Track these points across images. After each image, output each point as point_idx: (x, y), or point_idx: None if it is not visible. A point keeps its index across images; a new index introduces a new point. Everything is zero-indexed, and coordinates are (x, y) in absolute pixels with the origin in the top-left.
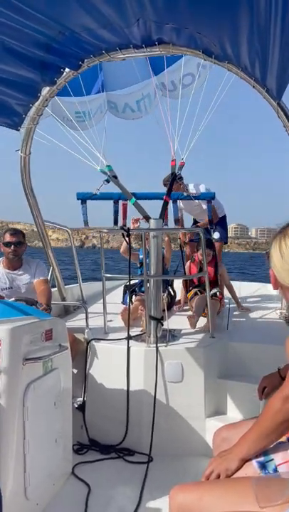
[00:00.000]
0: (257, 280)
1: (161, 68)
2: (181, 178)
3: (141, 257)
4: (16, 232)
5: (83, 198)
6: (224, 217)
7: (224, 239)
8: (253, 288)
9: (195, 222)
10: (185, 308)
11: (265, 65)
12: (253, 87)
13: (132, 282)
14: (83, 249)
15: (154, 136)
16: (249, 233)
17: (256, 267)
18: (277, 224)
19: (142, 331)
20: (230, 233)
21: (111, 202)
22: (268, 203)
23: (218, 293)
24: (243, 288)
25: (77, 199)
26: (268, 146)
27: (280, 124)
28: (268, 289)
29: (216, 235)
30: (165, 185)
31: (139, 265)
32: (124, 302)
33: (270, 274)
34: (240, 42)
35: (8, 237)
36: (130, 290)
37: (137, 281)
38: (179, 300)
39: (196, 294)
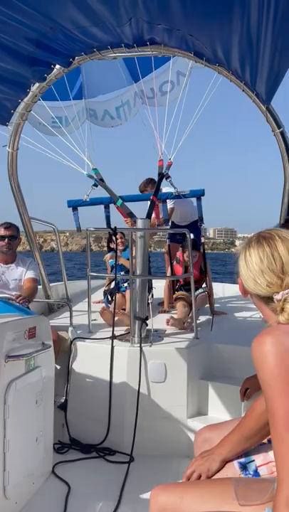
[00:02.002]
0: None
1: (142, 75)
2: (169, 177)
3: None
4: (10, 226)
5: (74, 206)
6: (196, 221)
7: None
8: (236, 290)
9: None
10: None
11: (256, 69)
12: (243, 90)
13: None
14: (41, 252)
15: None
16: (207, 233)
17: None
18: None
19: (126, 330)
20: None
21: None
22: (224, 203)
23: (204, 292)
24: (227, 289)
25: (68, 207)
26: (226, 144)
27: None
28: None
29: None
30: (142, 191)
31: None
32: (105, 302)
33: (238, 282)
34: (231, 46)
35: (2, 231)
36: (110, 293)
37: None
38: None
39: (181, 297)
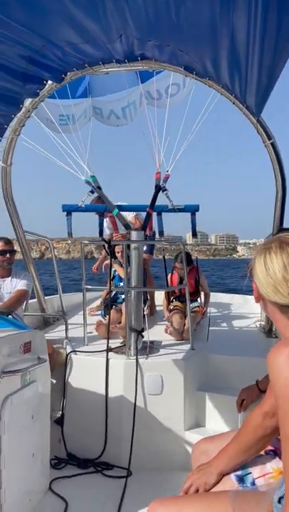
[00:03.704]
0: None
1: (148, 76)
2: (165, 190)
3: (113, 269)
4: (9, 241)
5: (69, 210)
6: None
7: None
8: (232, 299)
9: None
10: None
11: (245, 83)
12: (233, 103)
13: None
14: (42, 260)
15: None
16: (209, 240)
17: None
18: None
19: (122, 342)
20: (191, 240)
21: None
22: (226, 210)
23: (198, 307)
24: (223, 299)
25: (63, 211)
26: (231, 152)
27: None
28: (248, 300)
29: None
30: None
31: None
32: (102, 315)
33: (253, 287)
34: (220, 60)
35: (1, 246)
36: (108, 303)
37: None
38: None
39: (176, 309)
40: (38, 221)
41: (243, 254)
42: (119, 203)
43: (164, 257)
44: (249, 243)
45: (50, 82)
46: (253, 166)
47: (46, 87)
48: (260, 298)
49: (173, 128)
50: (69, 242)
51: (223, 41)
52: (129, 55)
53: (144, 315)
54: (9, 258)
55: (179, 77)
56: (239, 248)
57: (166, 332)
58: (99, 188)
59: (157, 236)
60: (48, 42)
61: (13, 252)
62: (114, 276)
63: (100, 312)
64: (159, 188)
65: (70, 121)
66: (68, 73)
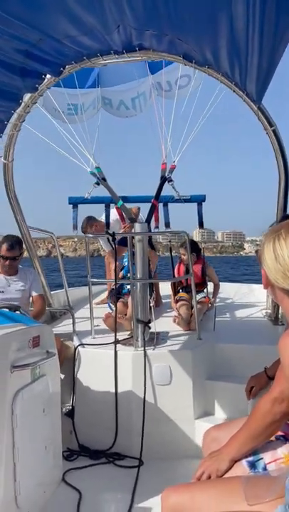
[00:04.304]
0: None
1: (158, 67)
2: (171, 180)
3: (124, 260)
4: (12, 248)
5: (75, 203)
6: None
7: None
8: (238, 289)
9: None
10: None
11: (245, 70)
12: (234, 91)
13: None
14: (50, 258)
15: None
16: (215, 237)
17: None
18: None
19: (129, 334)
20: (198, 237)
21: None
22: (232, 207)
23: (204, 297)
24: (229, 288)
25: (69, 203)
26: (235, 150)
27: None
28: (253, 289)
29: None
30: (84, 232)
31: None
32: (109, 306)
33: (261, 273)
34: (220, 48)
35: (4, 251)
36: (115, 294)
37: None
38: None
39: (182, 299)
40: (45, 219)
41: (250, 252)
42: (124, 195)
43: (170, 248)
44: (256, 240)
45: (48, 76)
46: (256, 164)
47: (45, 81)
48: (268, 284)
49: (181, 120)
50: (75, 240)
51: (222, 29)
52: (127, 45)
53: (150, 306)
54: (10, 264)
55: (189, 69)
56: (246, 245)
57: (175, 322)
58: (104, 179)
59: (163, 227)
60: (44, 35)
61: (15, 259)
62: (123, 267)
63: (106, 305)
64: (164, 179)
65: (77, 112)
66: (67, 66)
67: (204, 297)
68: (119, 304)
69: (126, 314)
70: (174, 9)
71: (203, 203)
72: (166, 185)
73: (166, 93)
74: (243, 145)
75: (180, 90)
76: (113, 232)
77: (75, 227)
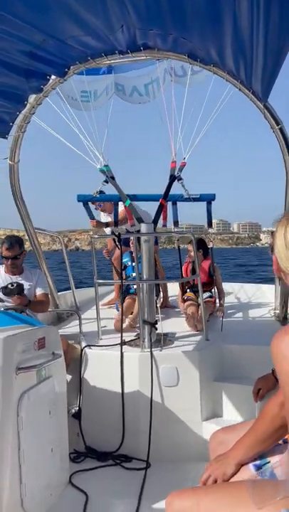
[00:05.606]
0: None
1: None
2: (181, 179)
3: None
4: (11, 247)
5: (84, 200)
6: None
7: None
8: (245, 289)
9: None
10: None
11: (250, 68)
12: (239, 89)
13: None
14: (67, 252)
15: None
16: (231, 228)
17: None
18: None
19: (136, 335)
20: (214, 229)
21: None
22: (249, 198)
23: (210, 297)
24: (236, 288)
25: (78, 201)
26: (253, 140)
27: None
28: (262, 289)
29: None
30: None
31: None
32: (116, 307)
33: (272, 259)
34: (224, 46)
35: (4, 251)
36: (122, 295)
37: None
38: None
39: (189, 299)
40: (56, 216)
41: (266, 242)
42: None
43: (178, 246)
44: (272, 231)
45: (53, 76)
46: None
47: (50, 82)
48: (279, 271)
49: (194, 114)
50: (91, 233)
51: (226, 27)
52: (132, 45)
53: (156, 307)
54: (13, 263)
55: None
56: (262, 236)
57: (186, 320)
58: (112, 177)
59: (172, 226)
60: (48, 36)
61: (15, 257)
62: (125, 267)
63: (114, 306)
64: (173, 178)
65: (91, 98)
66: (71, 67)
67: (210, 297)
68: (127, 299)
69: (132, 313)
70: (177, 8)
71: (212, 202)
72: (176, 183)
73: (179, 79)
74: (262, 132)
75: (193, 76)
76: (118, 233)
77: (92, 218)
